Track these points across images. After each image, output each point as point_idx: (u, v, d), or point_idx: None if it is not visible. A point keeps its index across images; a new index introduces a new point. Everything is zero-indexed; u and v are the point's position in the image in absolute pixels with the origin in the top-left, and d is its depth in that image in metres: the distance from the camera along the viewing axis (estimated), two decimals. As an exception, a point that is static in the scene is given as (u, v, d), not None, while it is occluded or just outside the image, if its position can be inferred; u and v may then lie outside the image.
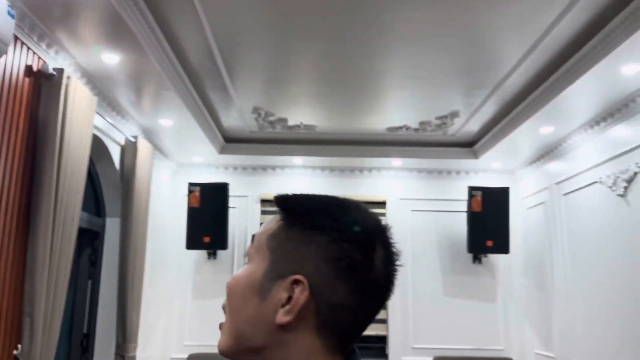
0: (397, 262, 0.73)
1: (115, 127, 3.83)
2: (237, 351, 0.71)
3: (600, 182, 3.94)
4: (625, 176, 3.61)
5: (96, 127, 3.47)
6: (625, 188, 3.62)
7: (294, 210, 0.73)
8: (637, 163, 3.49)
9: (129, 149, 4.03)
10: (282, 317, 0.67)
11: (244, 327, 0.70)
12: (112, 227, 4.13)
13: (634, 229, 3.53)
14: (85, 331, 3.92)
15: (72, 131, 2.84)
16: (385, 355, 5.31)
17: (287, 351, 0.68)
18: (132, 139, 4.03)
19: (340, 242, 0.69)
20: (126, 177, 4.02)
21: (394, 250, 0.74)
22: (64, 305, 2.84)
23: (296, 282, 0.68)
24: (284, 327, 0.67)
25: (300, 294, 0.67)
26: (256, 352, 0.69)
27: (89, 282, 3.99)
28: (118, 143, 4.00)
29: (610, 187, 3.80)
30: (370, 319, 0.71)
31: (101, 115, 3.53)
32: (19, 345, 2.57)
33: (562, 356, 4.47)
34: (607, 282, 3.85)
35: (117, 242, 4.01)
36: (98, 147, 3.74)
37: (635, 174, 3.52)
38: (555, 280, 4.65)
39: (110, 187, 4.10)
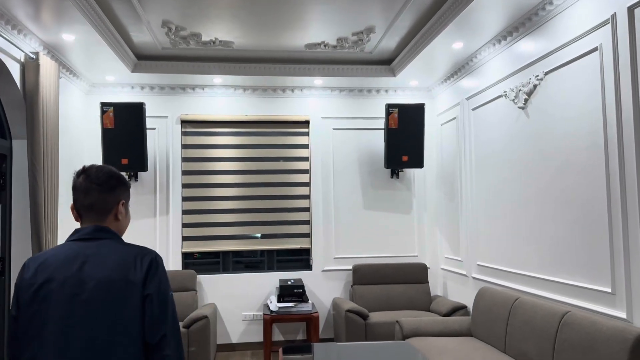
0: (87, 179, 1.56)
1: (11, 43, 3.59)
2: None
3: (505, 95, 4.12)
4: (526, 89, 3.79)
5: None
6: (526, 100, 3.82)
7: None
8: (537, 76, 3.67)
9: (30, 66, 3.81)
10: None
11: None
12: (19, 149, 3.97)
13: (531, 139, 3.76)
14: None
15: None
16: (310, 266, 5.56)
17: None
18: (33, 56, 3.80)
19: None
20: (30, 96, 3.82)
21: (88, 176, 1.57)
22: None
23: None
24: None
25: None
26: None
27: (-1, 205, 3.88)
28: (17, 60, 3.76)
29: (513, 100, 4.00)
30: (83, 200, 1.57)
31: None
32: None
33: (468, 259, 4.85)
34: (505, 189, 4.14)
35: (26, 164, 3.87)
36: (-7, 63, 3.52)
37: (535, 86, 3.70)
38: (463, 191, 4.94)
39: (14, 108, 3.90)
